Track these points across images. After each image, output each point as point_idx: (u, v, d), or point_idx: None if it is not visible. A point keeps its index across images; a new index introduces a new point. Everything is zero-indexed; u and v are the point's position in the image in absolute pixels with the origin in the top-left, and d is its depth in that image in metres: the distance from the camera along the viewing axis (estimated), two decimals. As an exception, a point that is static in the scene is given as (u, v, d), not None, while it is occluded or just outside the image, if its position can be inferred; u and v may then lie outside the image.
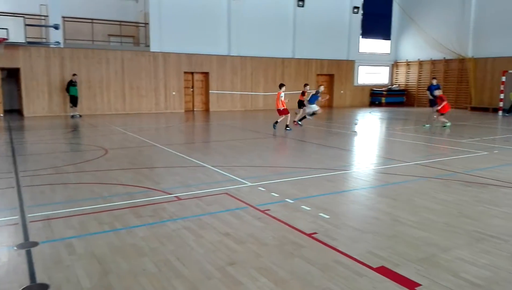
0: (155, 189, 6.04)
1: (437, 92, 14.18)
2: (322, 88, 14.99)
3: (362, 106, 26.73)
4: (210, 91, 22.06)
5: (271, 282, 3.23)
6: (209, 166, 7.67)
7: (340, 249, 3.87)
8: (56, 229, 4.40)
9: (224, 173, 7.13)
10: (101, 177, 6.86)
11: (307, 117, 14.61)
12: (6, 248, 3.94)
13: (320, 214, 4.88)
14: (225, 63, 22.22)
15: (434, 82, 16.11)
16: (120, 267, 3.50)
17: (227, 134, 13.05)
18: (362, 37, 26.93)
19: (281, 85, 13.53)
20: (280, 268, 3.49)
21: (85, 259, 3.65)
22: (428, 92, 15.86)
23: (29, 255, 3.73)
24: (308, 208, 5.09)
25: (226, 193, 5.81)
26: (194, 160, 8.31)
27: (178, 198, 5.58)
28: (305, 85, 15.21)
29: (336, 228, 4.44)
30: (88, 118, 17.36)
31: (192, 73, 21.78)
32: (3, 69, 18.12)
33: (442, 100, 13.84)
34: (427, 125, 12.38)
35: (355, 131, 13.83)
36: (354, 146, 10.96)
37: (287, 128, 13.35)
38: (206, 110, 22.25)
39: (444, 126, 13.99)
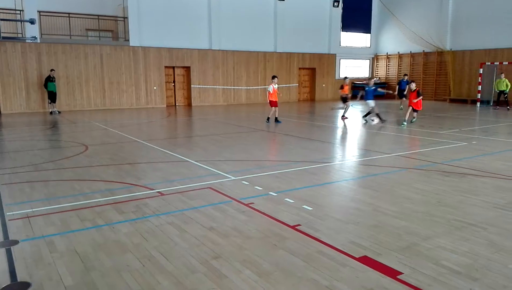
0: (137, 185, 5.98)
1: (413, 86, 13.38)
2: (373, 81, 14.66)
3: (343, 99, 26.95)
4: (191, 86, 21.90)
5: (255, 275, 3.25)
6: (192, 161, 7.64)
7: (323, 240, 3.91)
8: (37, 227, 4.31)
9: (207, 167, 7.11)
10: (81, 174, 6.75)
11: (372, 117, 14.04)
12: (-16, 247, 3.85)
13: (303, 206, 4.92)
14: (207, 57, 22.08)
15: (405, 78, 16.47)
16: (103, 264, 3.46)
17: (209, 129, 13.00)
18: (342, 31, 27.11)
19: (273, 77, 13.97)
20: (264, 260, 3.51)
21: (67, 256, 3.59)
22: (397, 87, 16.36)
23: (9, 253, 3.65)
24: (292, 201, 5.13)
25: (210, 188, 5.79)
26: (176, 155, 8.25)
27: (161, 194, 5.54)
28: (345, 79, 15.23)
29: (319, 220, 4.48)
30: (67, 114, 17.02)
31: (173, 67, 21.57)
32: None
33: (418, 96, 13.09)
34: (404, 124, 12.46)
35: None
36: (336, 139, 11.06)
37: (267, 121, 13.79)
38: (188, 104, 22.09)
39: (412, 121, 13.40)
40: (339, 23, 26.67)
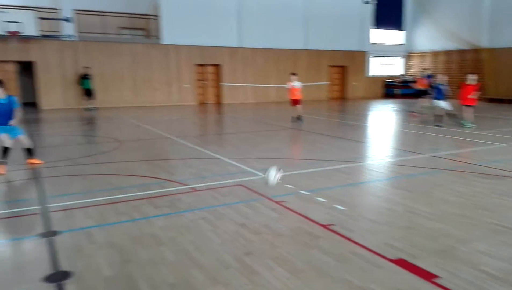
0: (170, 181, 6.11)
1: (473, 79, 11.76)
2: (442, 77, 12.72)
3: (375, 97, 26.48)
4: (222, 84, 22.07)
5: (287, 272, 3.26)
6: (223, 158, 7.71)
7: (356, 240, 3.87)
8: (76, 219, 4.48)
9: (238, 165, 7.17)
10: (117, 169, 6.95)
11: (441, 121, 12.15)
12: (29, 237, 4.04)
13: (335, 205, 4.88)
14: (237, 55, 22.19)
15: (429, 73, 15.46)
16: (140, 256, 3.56)
17: (240, 126, 13.07)
18: (374, 28, 26.60)
19: (292, 74, 13.36)
20: (296, 258, 3.51)
21: (105, 248, 3.72)
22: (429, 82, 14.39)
23: (51, 244, 3.81)
24: (323, 200, 5.10)
25: (241, 185, 5.84)
26: (208, 152, 8.36)
27: (194, 189, 5.63)
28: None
29: (352, 220, 4.44)
30: (102, 111, 17.53)
31: (204, 65, 21.80)
32: (17, 62, 18.36)
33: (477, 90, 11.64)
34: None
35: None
36: (368, 138, 10.89)
37: (295, 120, 13.12)
38: (218, 102, 22.27)
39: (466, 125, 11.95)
40: (370, 20, 26.19)
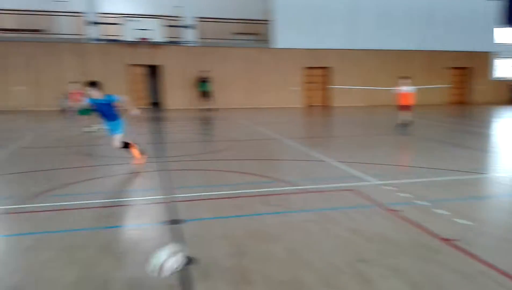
0: (281, 181, 6.25)
1: None
2: None
3: (501, 103, 23.72)
4: (331, 86, 21.86)
5: (403, 284, 3.11)
6: (332, 161, 7.64)
7: (484, 258, 3.53)
8: (197, 210, 4.86)
9: (347, 169, 7.03)
10: (230, 166, 7.34)
11: None
12: (156, 223, 4.49)
13: (457, 219, 4.50)
14: (346, 57, 21.79)
15: None
16: (254, 250, 3.72)
17: (348, 130, 12.81)
18: (501, 26, 23.80)
19: (404, 78, 12.22)
20: (414, 270, 3.33)
21: (223, 239, 3.96)
22: None
23: (177, 231, 4.19)
24: (443, 212, 4.74)
25: (351, 190, 5.73)
26: (317, 154, 8.36)
27: (304, 191, 5.68)
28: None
29: (478, 236, 4.05)
30: (216, 112, 18.63)
31: (312, 68, 21.83)
32: (145, 66, 20.50)
33: None
34: None
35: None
36: (493, 147, 9.81)
37: (402, 127, 11.95)
38: (327, 105, 22.11)
39: None
40: (495, 18, 23.51)
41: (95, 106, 6.82)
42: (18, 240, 4.02)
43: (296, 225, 4.37)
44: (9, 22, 19.35)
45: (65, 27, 19.46)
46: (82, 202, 5.25)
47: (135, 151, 7.06)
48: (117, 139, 6.97)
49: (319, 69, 21.95)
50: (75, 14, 18.99)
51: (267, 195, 5.49)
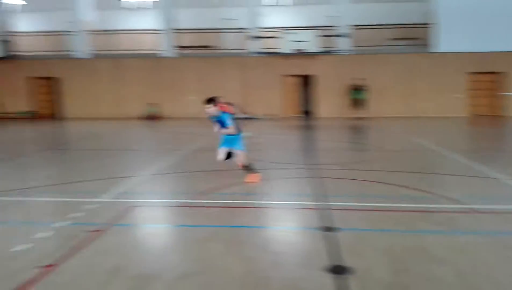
0: (442, 196, 5.74)
1: None
2: None
3: None
4: (502, 93, 19.11)
5: None
6: (508, 179, 6.66)
7: None
8: (351, 219, 4.81)
9: (528, 189, 6.05)
10: (384, 177, 7.00)
11: None
12: (310, 229, 4.59)
13: None
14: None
15: None
16: (416, 269, 3.50)
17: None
18: None
19: None
20: None
21: (379, 252, 3.83)
22: None
23: (330, 238, 4.21)
24: None
25: (534, 214, 4.91)
26: (485, 170, 7.39)
27: (471, 211, 5.10)
28: None
29: None
30: (371, 120, 18.08)
31: (478, 73, 19.41)
32: (299, 76, 21.17)
33: None
34: None
35: None
36: None
37: None
38: (497, 115, 19.36)
39: None
40: None
41: (215, 121, 6.77)
42: (194, 231, 4.60)
43: (465, 247, 3.95)
44: (185, 40, 22.31)
45: (229, 42, 21.49)
46: (242, 201, 5.74)
47: (250, 172, 6.80)
48: (240, 155, 6.75)
49: (486, 74, 19.38)
50: (239, 30, 20.82)
51: (427, 211, 5.11)
